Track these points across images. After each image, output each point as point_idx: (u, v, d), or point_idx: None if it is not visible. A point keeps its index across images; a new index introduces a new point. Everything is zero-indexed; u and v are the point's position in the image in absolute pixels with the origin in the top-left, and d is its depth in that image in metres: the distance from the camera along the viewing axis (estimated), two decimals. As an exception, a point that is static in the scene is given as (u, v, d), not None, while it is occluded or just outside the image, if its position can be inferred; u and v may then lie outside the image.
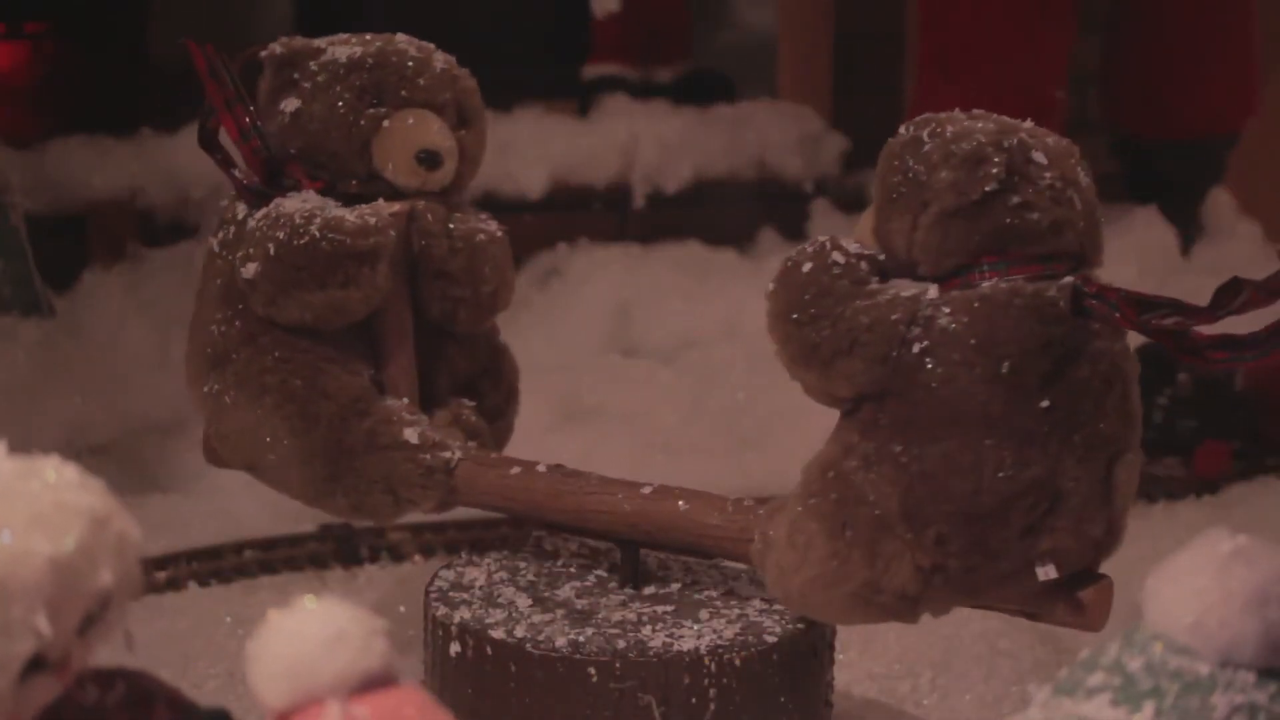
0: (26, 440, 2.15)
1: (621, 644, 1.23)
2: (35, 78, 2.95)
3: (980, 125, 1.15)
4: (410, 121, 1.37)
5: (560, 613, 1.29)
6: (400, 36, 1.42)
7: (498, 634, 1.24)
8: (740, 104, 3.03)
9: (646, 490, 1.30)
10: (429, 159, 1.36)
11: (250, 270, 1.35)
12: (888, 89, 2.98)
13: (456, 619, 1.27)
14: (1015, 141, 1.13)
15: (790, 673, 1.25)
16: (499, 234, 1.42)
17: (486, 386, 1.45)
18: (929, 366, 1.13)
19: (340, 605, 0.74)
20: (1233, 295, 1.12)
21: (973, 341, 1.12)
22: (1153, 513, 2.04)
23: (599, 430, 2.13)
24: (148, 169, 2.59)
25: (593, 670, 1.21)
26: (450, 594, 1.32)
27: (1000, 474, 1.12)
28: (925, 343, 1.13)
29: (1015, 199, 1.13)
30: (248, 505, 1.97)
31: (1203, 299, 2.64)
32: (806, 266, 1.18)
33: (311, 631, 0.73)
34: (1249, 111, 2.89)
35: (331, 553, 1.86)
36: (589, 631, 1.25)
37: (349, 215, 1.34)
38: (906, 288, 1.16)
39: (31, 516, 0.71)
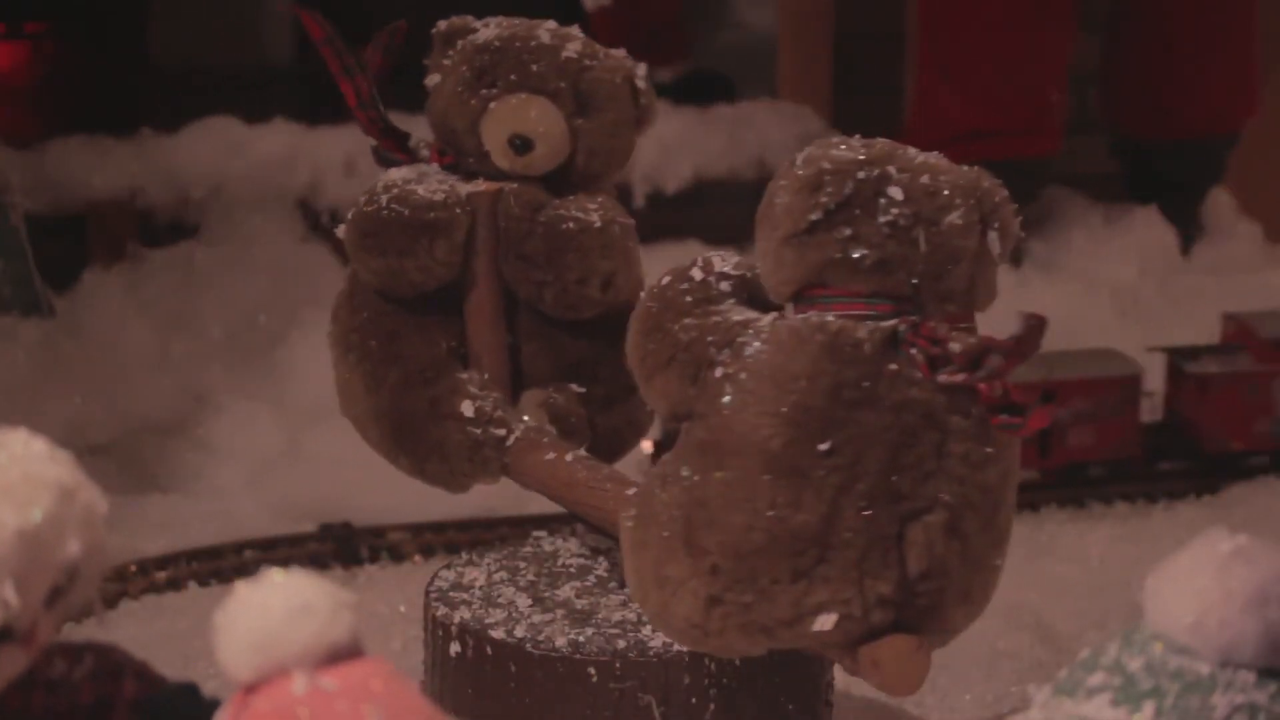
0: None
1: (621, 644, 1.23)
2: (35, 78, 2.95)
3: (845, 153, 1.11)
4: (511, 105, 1.37)
5: (560, 613, 1.29)
6: (548, 23, 1.41)
7: (498, 634, 1.24)
8: (740, 104, 3.03)
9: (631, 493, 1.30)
10: (519, 144, 1.36)
11: (339, 231, 1.40)
12: (888, 89, 2.98)
13: (456, 619, 1.27)
14: (875, 173, 1.10)
15: (790, 673, 1.25)
16: (598, 225, 1.39)
17: (601, 373, 1.45)
18: (726, 392, 1.10)
19: (307, 577, 0.73)
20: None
21: (766, 373, 1.09)
22: (1153, 512, 2.04)
23: (599, 430, 2.12)
24: (148, 169, 2.59)
25: (593, 670, 1.21)
26: (450, 594, 1.32)
27: (771, 512, 1.08)
28: (730, 369, 1.11)
29: (846, 231, 1.09)
30: (248, 505, 1.97)
31: (1203, 299, 2.62)
32: (666, 280, 1.18)
33: (277, 603, 0.72)
34: (1249, 112, 2.89)
35: (331, 553, 1.86)
36: (589, 631, 1.25)
37: (421, 189, 1.37)
38: (743, 312, 1.14)
39: None
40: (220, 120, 2.67)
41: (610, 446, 1.44)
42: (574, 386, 1.43)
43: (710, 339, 1.13)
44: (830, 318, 1.09)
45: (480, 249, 1.38)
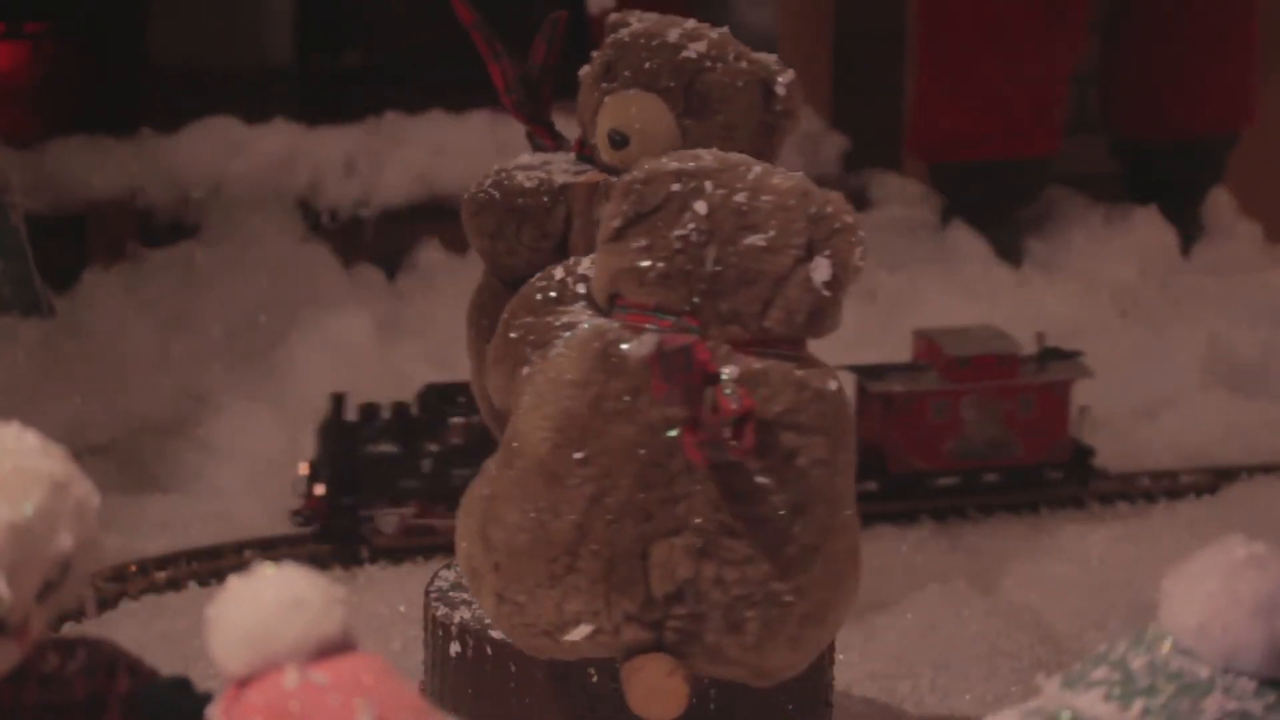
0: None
1: (621, 644, 1.23)
2: (35, 78, 2.95)
3: (670, 164, 1.12)
4: (617, 100, 1.38)
5: (560, 613, 1.28)
6: (687, 22, 1.40)
7: (498, 634, 1.24)
8: (740, 104, 3.03)
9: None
10: (616, 139, 1.37)
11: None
12: (888, 89, 2.98)
13: (456, 619, 1.27)
14: (691, 186, 1.10)
15: (790, 673, 1.25)
16: None
17: None
18: (525, 392, 1.12)
19: (299, 571, 0.74)
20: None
21: (551, 375, 1.10)
22: (1153, 512, 2.04)
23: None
24: (148, 169, 2.59)
25: (593, 670, 1.21)
26: (450, 594, 1.32)
27: (533, 514, 1.10)
28: (534, 370, 1.12)
29: (642, 241, 1.10)
30: (248, 505, 1.97)
31: (1203, 299, 2.62)
32: (534, 278, 1.18)
33: (269, 597, 0.72)
34: (1248, 115, 2.88)
35: (331, 553, 1.86)
36: (589, 631, 1.25)
37: (521, 175, 1.39)
38: (583, 315, 1.14)
39: None
40: (220, 120, 2.67)
41: None
42: None
43: (530, 339, 1.14)
44: (615, 327, 1.10)
45: (576, 239, 1.39)
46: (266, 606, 0.72)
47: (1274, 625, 0.75)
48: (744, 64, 1.37)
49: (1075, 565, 1.82)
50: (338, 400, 1.87)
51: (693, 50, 1.37)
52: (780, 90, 1.37)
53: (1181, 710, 0.76)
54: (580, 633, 1.10)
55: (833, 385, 1.12)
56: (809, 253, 1.09)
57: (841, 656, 1.52)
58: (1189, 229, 2.88)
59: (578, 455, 1.08)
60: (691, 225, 1.09)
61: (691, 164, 1.12)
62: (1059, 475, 2.05)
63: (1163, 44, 2.82)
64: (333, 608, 0.73)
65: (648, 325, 1.09)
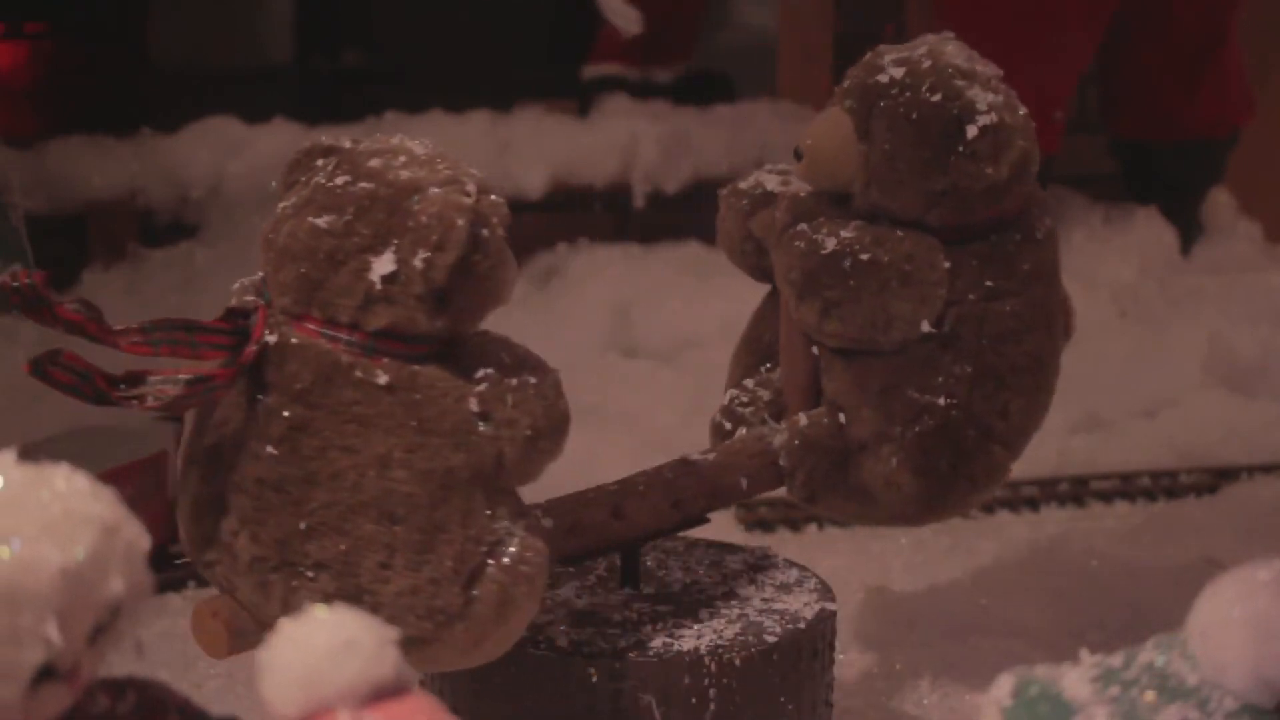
0: (26, 440, 2.13)
1: (621, 644, 1.23)
2: (35, 78, 2.95)
3: (332, 141, 1.18)
4: (819, 115, 1.37)
5: (560, 613, 1.29)
6: (919, 47, 1.35)
7: (498, 634, 1.24)
8: (740, 104, 3.03)
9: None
10: (796, 152, 1.36)
11: None
12: (888, 89, 2.98)
13: (456, 619, 1.27)
14: (332, 164, 1.15)
15: (790, 673, 1.25)
16: (826, 251, 1.31)
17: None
18: None
19: (352, 614, 0.74)
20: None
21: None
22: (1152, 512, 2.04)
23: (599, 430, 2.13)
24: (148, 169, 2.59)
25: (593, 670, 1.21)
26: (450, 594, 1.32)
27: None
28: None
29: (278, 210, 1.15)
30: (248, 505, 1.96)
31: (1203, 299, 2.61)
32: None
33: (322, 640, 0.73)
34: (1247, 116, 2.88)
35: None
36: (589, 631, 1.25)
37: (745, 182, 1.43)
38: None
39: (41, 525, 0.71)
40: (220, 120, 2.67)
41: None
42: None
43: None
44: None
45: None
46: (319, 649, 0.73)
47: (1264, 650, 0.75)
48: (937, 97, 1.30)
49: (1075, 565, 1.82)
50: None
51: (886, 75, 1.32)
52: (970, 132, 1.30)
53: (1141, 708, 0.76)
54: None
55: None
56: (380, 245, 1.08)
57: (841, 656, 1.53)
58: (1189, 229, 2.88)
59: (269, 450, 1.09)
60: (285, 204, 1.15)
61: (348, 141, 1.17)
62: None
63: (1163, 44, 2.82)
64: (385, 650, 0.74)
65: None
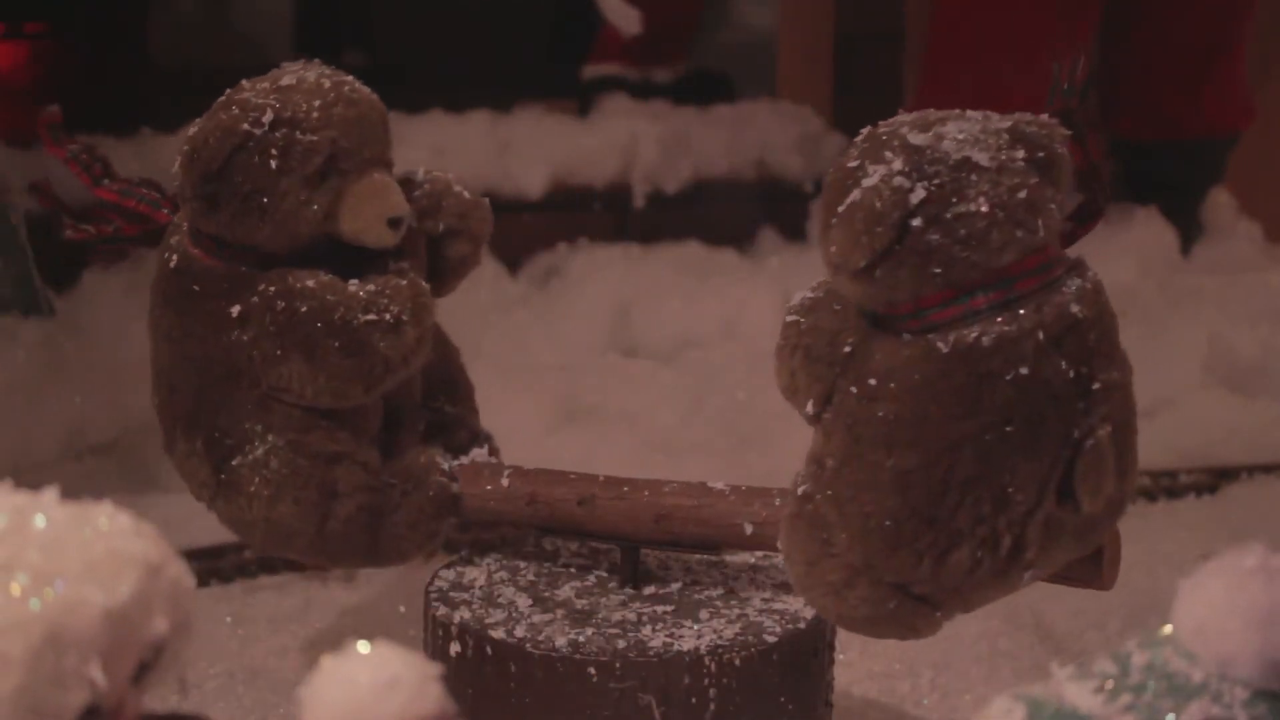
0: (27, 440, 2.13)
1: (621, 644, 1.23)
2: (35, 78, 2.95)
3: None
4: None
5: (560, 613, 1.29)
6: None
7: (498, 634, 1.25)
8: (740, 104, 3.03)
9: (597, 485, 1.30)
10: None
11: None
12: (888, 89, 2.98)
13: (456, 619, 1.27)
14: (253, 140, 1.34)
15: (790, 673, 1.25)
16: None
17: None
18: None
19: (394, 650, 0.74)
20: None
21: None
22: (1152, 512, 2.04)
23: (599, 430, 2.13)
24: (148, 169, 2.59)
25: (593, 670, 1.21)
26: (450, 594, 1.32)
27: None
28: None
29: None
30: (248, 505, 1.96)
31: (1203, 299, 2.61)
32: None
33: (365, 677, 0.73)
34: (1249, 118, 2.88)
35: (331, 553, 1.85)
36: (589, 631, 1.25)
37: None
38: None
39: (84, 565, 0.70)
40: (220, 120, 2.67)
41: None
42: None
43: None
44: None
45: None
46: (362, 686, 0.73)
47: (1269, 636, 0.75)
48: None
49: (1075, 565, 1.82)
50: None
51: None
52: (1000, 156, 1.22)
53: (1163, 710, 0.76)
54: None
55: None
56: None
57: (841, 656, 1.53)
58: (1189, 229, 2.88)
59: None
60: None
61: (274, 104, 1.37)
62: None
63: (1163, 44, 2.82)
64: (428, 686, 0.73)
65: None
